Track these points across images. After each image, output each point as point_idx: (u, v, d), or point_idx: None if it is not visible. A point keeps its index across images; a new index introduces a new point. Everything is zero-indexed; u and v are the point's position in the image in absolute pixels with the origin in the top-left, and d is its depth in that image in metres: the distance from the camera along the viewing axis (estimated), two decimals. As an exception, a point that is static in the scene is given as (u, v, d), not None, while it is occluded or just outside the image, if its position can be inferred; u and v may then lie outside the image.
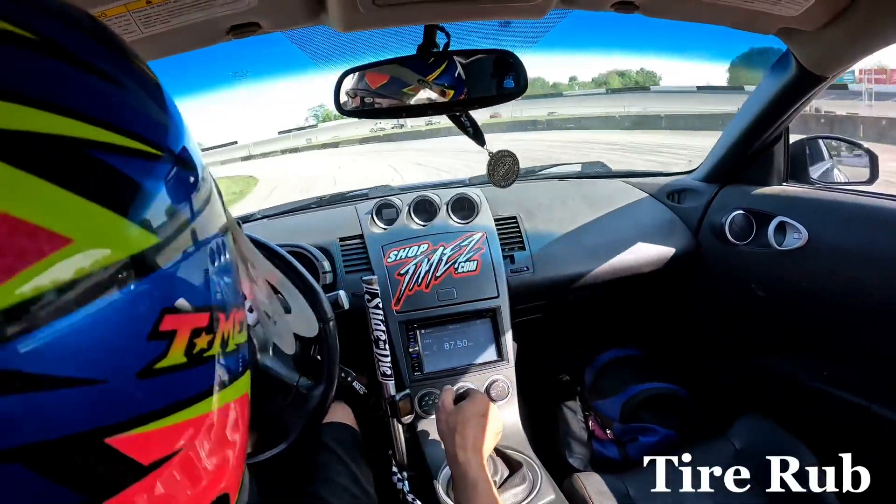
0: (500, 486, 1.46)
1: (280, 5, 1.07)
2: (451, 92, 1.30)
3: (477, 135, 1.39)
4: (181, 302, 0.35)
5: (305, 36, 1.28)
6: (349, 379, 1.53)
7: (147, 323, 0.32)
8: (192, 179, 0.39)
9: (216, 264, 0.41)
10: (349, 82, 1.29)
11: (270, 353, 1.37)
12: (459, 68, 1.30)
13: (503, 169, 1.39)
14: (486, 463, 1.27)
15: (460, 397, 1.41)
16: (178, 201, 0.36)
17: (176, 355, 0.34)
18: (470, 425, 1.28)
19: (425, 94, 1.30)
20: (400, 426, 1.65)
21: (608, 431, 2.16)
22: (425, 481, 1.64)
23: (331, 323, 1.37)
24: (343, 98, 1.30)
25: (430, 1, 1.10)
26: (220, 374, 0.40)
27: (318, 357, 1.40)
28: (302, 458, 1.50)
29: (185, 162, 0.38)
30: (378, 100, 1.31)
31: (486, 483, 1.19)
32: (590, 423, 2.26)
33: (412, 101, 1.30)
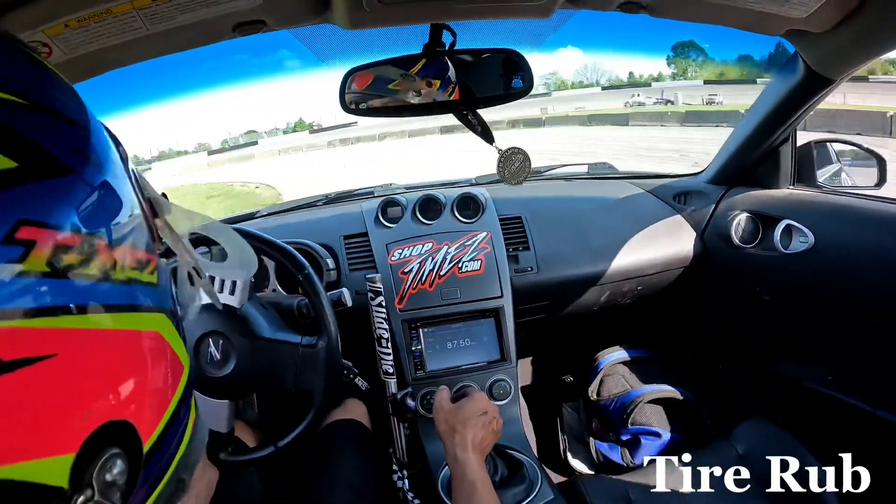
0: (499, 486, 1.46)
1: (285, 3, 1.07)
2: (457, 91, 1.30)
3: (485, 132, 1.38)
4: (43, 217, 0.39)
5: (311, 33, 1.28)
6: (351, 375, 1.53)
7: (1, 229, 0.36)
8: (73, 123, 0.46)
9: (102, 199, 0.46)
10: (356, 80, 1.29)
11: (268, 327, 1.39)
12: (465, 67, 1.30)
13: (513, 166, 1.39)
14: (485, 462, 1.27)
15: (459, 396, 1.41)
16: (45, 138, 0.42)
17: (36, 262, 0.37)
18: (469, 424, 1.28)
19: (430, 93, 1.29)
20: (401, 424, 1.65)
21: (612, 434, 2.16)
22: (426, 480, 1.65)
23: (306, 271, 1.38)
24: (348, 97, 1.30)
25: (434, -1, 1.10)
26: (101, 296, 0.43)
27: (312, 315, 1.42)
28: (309, 451, 1.51)
29: (48, 109, 0.45)
30: (385, 98, 1.31)
31: (485, 482, 1.19)
32: (593, 424, 2.25)
33: (417, 100, 1.30)
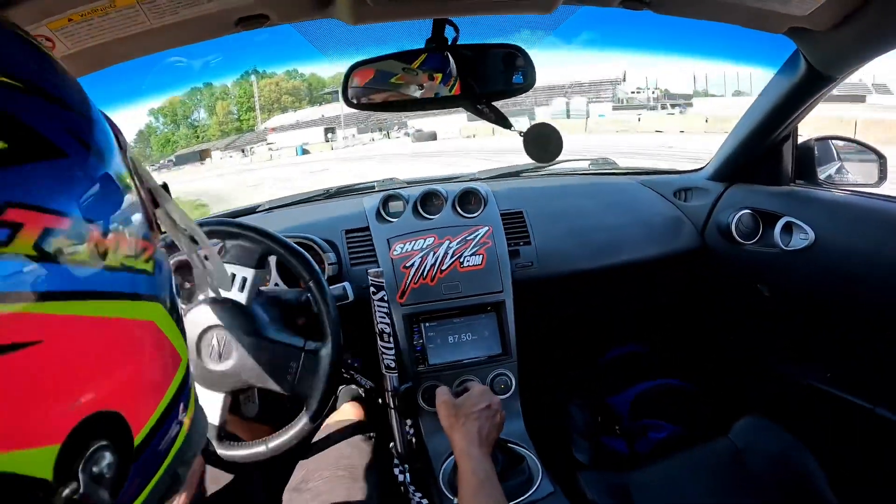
0: (499, 479, 1.47)
1: None
2: (459, 85, 1.30)
3: (500, 119, 1.37)
4: (32, 200, 0.39)
5: (314, 28, 1.28)
6: (350, 373, 1.54)
7: None
8: (71, 110, 0.46)
9: (97, 184, 0.45)
10: (357, 75, 1.30)
11: (272, 327, 1.40)
12: (467, 62, 1.30)
13: (543, 143, 1.38)
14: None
15: (461, 391, 1.41)
16: (40, 122, 0.42)
17: (22, 246, 0.37)
18: (474, 418, 1.29)
19: (432, 88, 1.30)
20: (402, 419, 1.66)
21: (616, 427, 2.17)
22: (427, 474, 1.65)
23: (318, 280, 1.39)
24: (351, 91, 1.30)
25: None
26: (91, 283, 0.42)
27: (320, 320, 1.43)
28: (306, 449, 1.52)
29: (47, 94, 0.45)
30: (385, 93, 1.31)
31: (491, 477, 1.20)
32: (598, 418, 2.26)
33: (419, 95, 1.30)
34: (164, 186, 0.60)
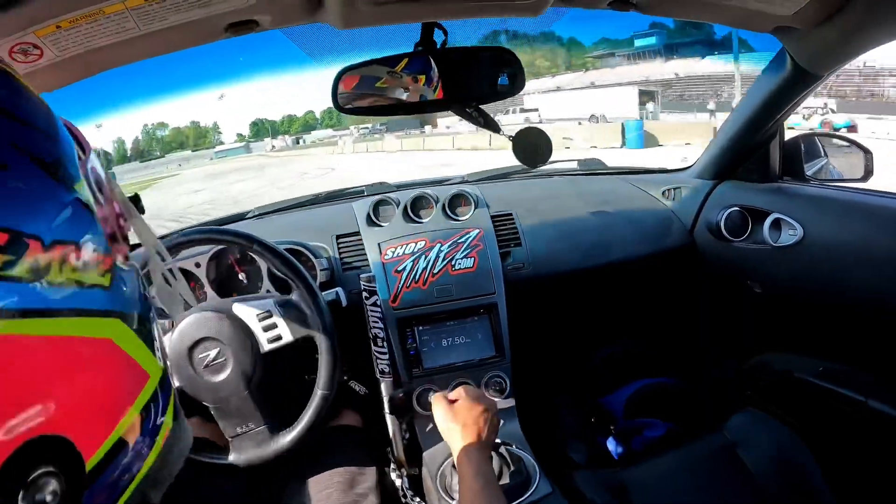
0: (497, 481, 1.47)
1: (278, 2, 1.08)
2: (448, 89, 1.30)
3: (489, 124, 1.38)
4: None
5: (303, 33, 1.28)
6: (344, 378, 1.53)
7: None
8: (15, 119, 0.43)
9: (40, 197, 0.42)
10: (346, 79, 1.29)
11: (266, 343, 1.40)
12: (456, 66, 1.30)
13: (531, 148, 1.38)
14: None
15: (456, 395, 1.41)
16: None
17: None
18: (476, 422, 1.29)
19: (421, 92, 1.30)
20: (398, 423, 1.66)
21: (611, 427, 2.17)
22: (424, 478, 1.65)
23: (329, 335, 1.40)
24: (340, 96, 1.30)
25: (427, -1, 1.11)
26: (30, 299, 0.39)
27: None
28: (304, 455, 1.52)
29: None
30: (375, 97, 1.31)
31: (491, 480, 1.19)
32: (592, 418, 2.27)
33: (408, 99, 1.30)
34: (135, 199, 0.57)
